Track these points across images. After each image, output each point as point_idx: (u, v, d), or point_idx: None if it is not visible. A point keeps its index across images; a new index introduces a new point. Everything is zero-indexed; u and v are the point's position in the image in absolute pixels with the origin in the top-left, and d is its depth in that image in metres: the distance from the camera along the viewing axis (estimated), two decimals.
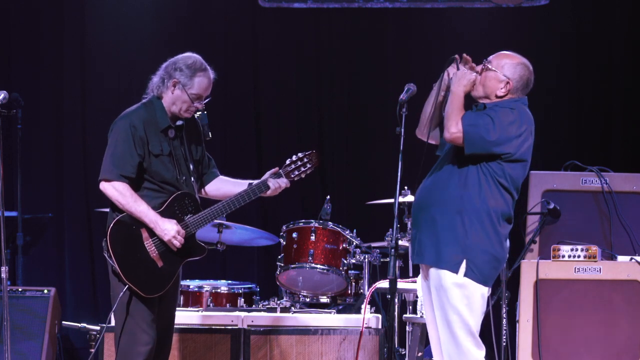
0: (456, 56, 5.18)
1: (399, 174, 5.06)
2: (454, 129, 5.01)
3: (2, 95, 5.90)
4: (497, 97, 5.15)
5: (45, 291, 7.45)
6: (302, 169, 5.72)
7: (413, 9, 9.41)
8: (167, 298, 5.62)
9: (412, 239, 5.24)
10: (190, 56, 5.63)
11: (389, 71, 9.39)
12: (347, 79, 9.48)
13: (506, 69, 5.17)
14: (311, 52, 9.52)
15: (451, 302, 5.03)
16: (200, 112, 6.17)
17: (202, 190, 5.81)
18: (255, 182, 5.66)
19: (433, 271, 5.09)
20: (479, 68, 5.18)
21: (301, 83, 9.49)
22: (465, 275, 5.00)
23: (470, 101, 5.21)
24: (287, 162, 5.72)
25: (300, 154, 5.74)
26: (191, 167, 5.64)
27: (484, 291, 5.08)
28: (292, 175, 5.71)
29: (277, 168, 5.69)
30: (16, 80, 9.21)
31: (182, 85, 5.53)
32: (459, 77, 5.11)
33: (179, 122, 5.63)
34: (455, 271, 5.00)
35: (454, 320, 5.05)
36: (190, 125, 5.71)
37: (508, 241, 5.17)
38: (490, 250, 5.04)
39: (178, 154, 5.59)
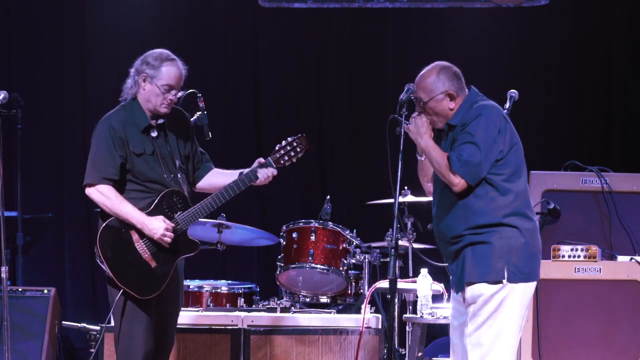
0: (393, 117, 5.13)
1: (398, 173, 5.05)
2: (455, 181, 4.99)
3: (2, 95, 5.90)
4: (451, 110, 5.13)
5: (45, 291, 7.45)
6: (292, 153, 5.69)
7: (413, 9, 9.42)
8: (168, 298, 5.59)
9: (450, 272, 5.21)
10: (157, 50, 5.63)
11: (389, 71, 9.39)
12: (347, 79, 9.48)
13: (435, 86, 5.10)
14: (311, 52, 9.52)
15: (493, 310, 5.02)
16: (200, 112, 6.16)
17: (196, 185, 5.78)
18: (245, 171, 5.63)
19: (473, 286, 5.03)
20: (419, 109, 5.15)
21: (301, 83, 9.49)
22: (509, 280, 4.99)
23: (438, 131, 5.20)
24: (277, 147, 5.70)
25: (289, 139, 5.72)
26: (177, 163, 5.61)
27: (529, 287, 5.07)
28: (282, 161, 5.68)
29: (261, 159, 5.65)
30: (16, 80, 9.21)
31: (150, 78, 5.51)
32: (417, 131, 5.09)
33: (161, 121, 5.59)
34: (500, 279, 4.99)
35: (498, 327, 5.03)
36: (175, 121, 5.66)
37: (538, 230, 5.13)
38: (522, 248, 5.01)
39: (163, 152, 5.56)
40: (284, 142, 5.70)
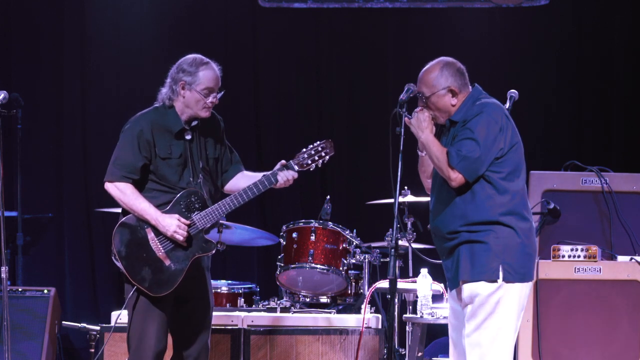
0: (396, 111, 5.13)
1: (399, 173, 5.06)
2: (453, 176, 5.01)
3: (2, 95, 5.91)
4: (453, 106, 5.14)
5: (45, 291, 7.46)
6: (317, 157, 5.68)
7: (413, 9, 9.42)
8: (192, 297, 5.60)
9: (444, 269, 5.22)
10: (190, 56, 5.66)
11: (389, 71, 9.39)
12: (347, 79, 9.48)
13: (437, 82, 5.11)
14: (311, 52, 9.52)
15: (490, 311, 5.02)
16: None
17: (224, 187, 5.79)
18: (267, 173, 5.65)
19: (469, 286, 5.04)
20: (421, 104, 5.15)
21: (301, 83, 9.49)
22: (504, 279, 4.99)
23: (440, 126, 5.21)
24: (303, 150, 5.69)
25: (316, 143, 5.71)
26: (201, 164, 5.64)
27: (525, 288, 5.07)
28: (305, 165, 5.67)
29: (283, 161, 5.67)
30: (16, 80, 9.22)
31: (189, 85, 5.55)
32: (419, 125, 5.10)
33: (194, 123, 5.63)
34: (495, 279, 4.99)
35: (495, 328, 5.03)
36: (206, 122, 5.68)
37: (534, 231, 5.13)
38: (518, 248, 5.01)
39: (193, 154, 5.61)
40: (310, 146, 5.71)
